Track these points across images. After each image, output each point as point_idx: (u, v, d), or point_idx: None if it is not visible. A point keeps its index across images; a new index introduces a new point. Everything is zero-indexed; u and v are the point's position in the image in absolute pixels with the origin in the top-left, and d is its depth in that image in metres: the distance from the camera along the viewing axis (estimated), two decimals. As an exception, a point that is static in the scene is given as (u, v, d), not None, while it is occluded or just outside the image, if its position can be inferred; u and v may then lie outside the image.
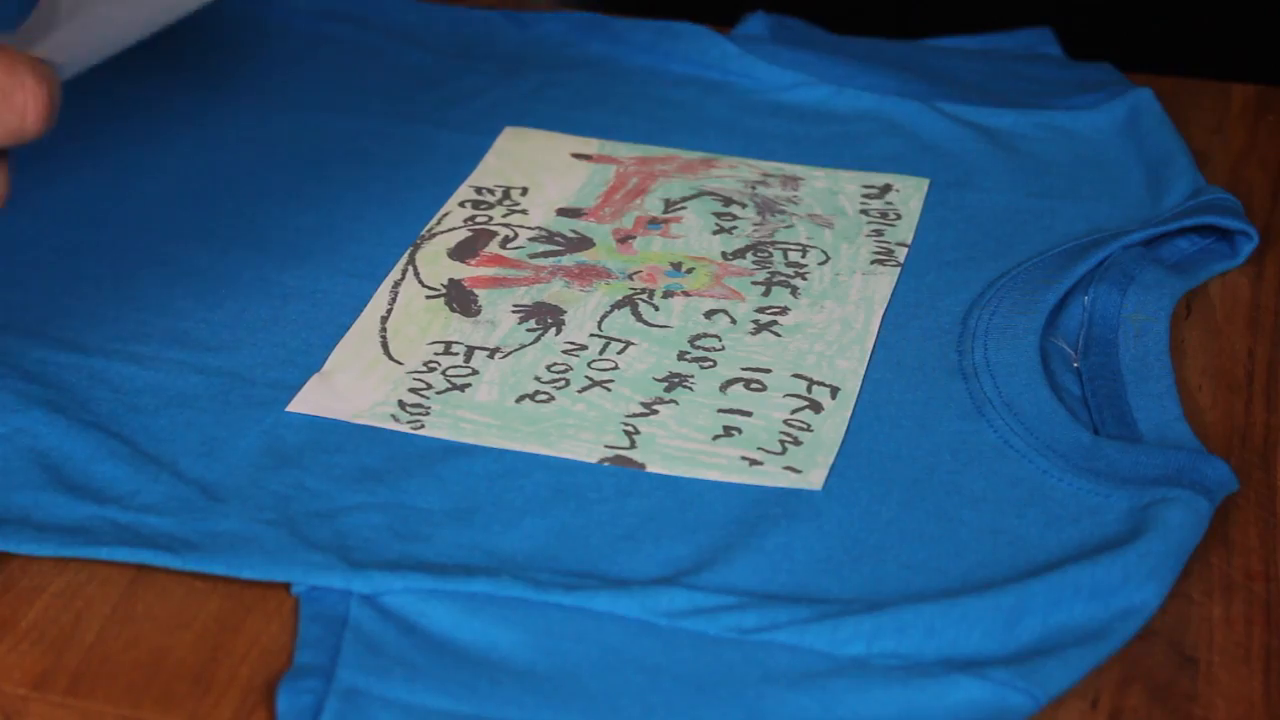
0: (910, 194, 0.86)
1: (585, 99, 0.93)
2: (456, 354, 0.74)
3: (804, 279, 0.79)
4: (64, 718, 0.60)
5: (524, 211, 0.83)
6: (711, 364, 0.74)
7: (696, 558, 0.64)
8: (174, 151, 0.88)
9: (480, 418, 0.71)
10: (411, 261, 0.80)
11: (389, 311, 0.77)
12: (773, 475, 0.68)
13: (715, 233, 0.82)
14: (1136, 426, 0.71)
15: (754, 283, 0.79)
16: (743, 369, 0.74)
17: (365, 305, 0.77)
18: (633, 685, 0.60)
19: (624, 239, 0.82)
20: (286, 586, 0.63)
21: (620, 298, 0.78)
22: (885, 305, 0.78)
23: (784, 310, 0.77)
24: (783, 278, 0.79)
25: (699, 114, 0.91)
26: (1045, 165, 0.88)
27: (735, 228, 0.82)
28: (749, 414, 0.71)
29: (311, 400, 0.72)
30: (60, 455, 0.69)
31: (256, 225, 0.82)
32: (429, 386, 0.73)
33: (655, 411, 0.71)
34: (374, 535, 0.65)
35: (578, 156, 0.88)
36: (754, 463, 0.69)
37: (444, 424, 0.71)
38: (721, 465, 0.69)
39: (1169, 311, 0.77)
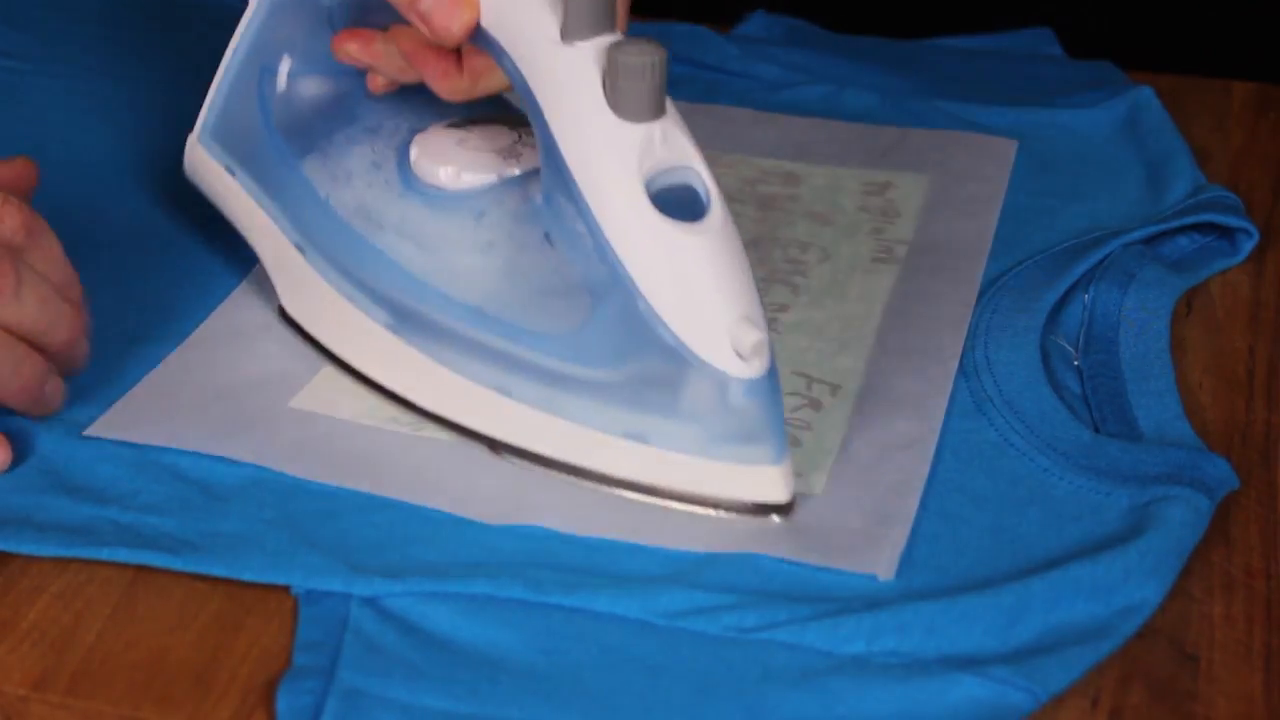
0: (910, 192, 0.86)
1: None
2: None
3: (804, 277, 0.79)
4: (64, 718, 0.60)
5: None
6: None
7: (696, 557, 0.64)
8: (174, 152, 0.87)
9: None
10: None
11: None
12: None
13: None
14: (1137, 424, 0.71)
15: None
16: (743, 368, 0.74)
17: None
18: (633, 685, 0.60)
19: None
20: (287, 587, 0.63)
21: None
22: (885, 303, 0.78)
23: (784, 308, 0.77)
24: (783, 275, 0.79)
25: (699, 114, 0.91)
26: (1046, 164, 0.88)
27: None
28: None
29: (313, 399, 0.72)
30: (61, 456, 0.69)
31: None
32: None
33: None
34: (375, 535, 0.65)
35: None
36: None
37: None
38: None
39: (1169, 309, 0.77)
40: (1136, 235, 0.80)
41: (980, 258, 0.80)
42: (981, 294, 0.78)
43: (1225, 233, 0.83)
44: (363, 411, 0.71)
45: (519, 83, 0.66)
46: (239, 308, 0.77)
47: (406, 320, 0.69)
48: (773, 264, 0.80)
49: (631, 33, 0.97)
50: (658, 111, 0.64)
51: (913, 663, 0.60)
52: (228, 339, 0.75)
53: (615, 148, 0.64)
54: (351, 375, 0.72)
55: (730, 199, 0.84)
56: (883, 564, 0.64)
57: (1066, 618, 0.62)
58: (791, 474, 0.65)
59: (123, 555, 0.64)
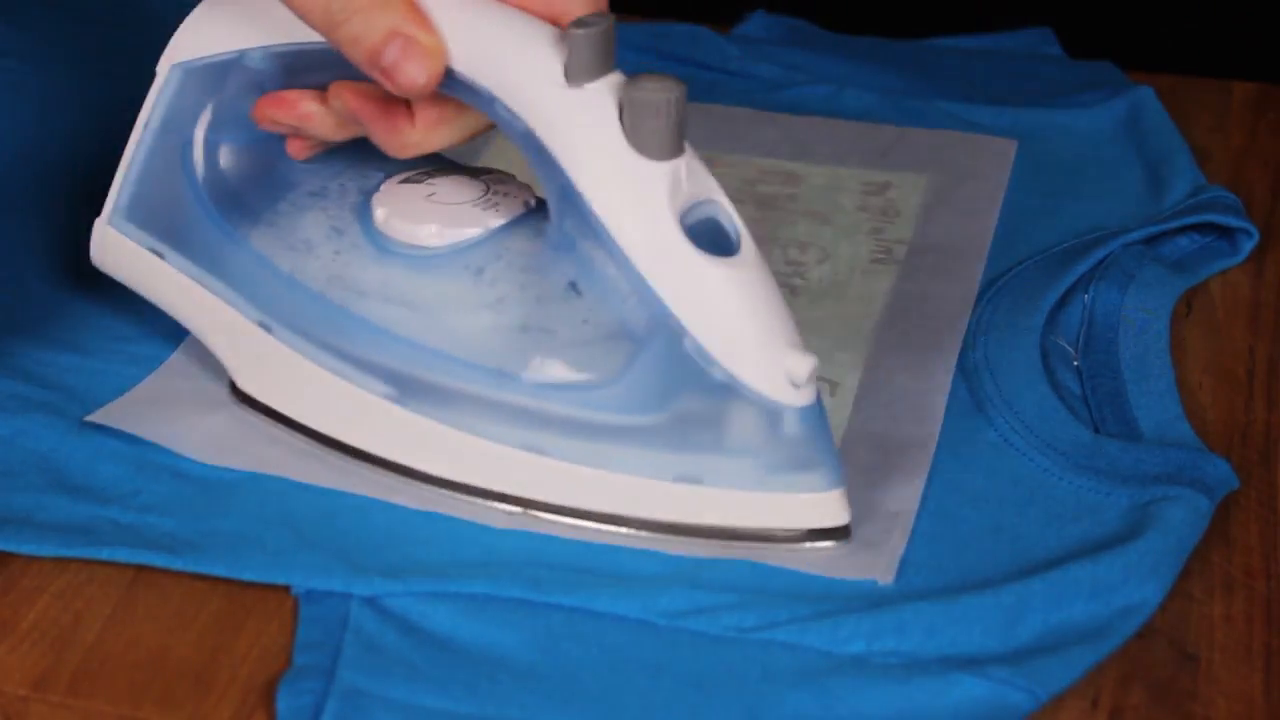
0: (910, 192, 0.86)
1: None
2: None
3: (803, 277, 0.79)
4: (64, 718, 0.60)
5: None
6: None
7: (696, 557, 0.64)
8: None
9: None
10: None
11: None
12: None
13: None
14: (1137, 424, 0.71)
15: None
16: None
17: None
18: (633, 684, 0.60)
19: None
20: (287, 587, 0.63)
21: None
22: (884, 302, 0.78)
23: (784, 309, 0.77)
24: (782, 276, 0.79)
25: (699, 114, 0.91)
26: (1046, 164, 0.88)
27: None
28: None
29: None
30: (61, 456, 0.69)
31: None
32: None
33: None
34: (375, 535, 0.65)
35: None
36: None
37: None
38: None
39: (1169, 309, 0.77)
40: (1136, 235, 0.80)
41: (979, 257, 0.80)
42: (981, 294, 0.78)
43: (1225, 233, 0.83)
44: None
45: (518, 129, 0.64)
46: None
47: (411, 390, 0.67)
48: (772, 264, 0.80)
49: (632, 32, 0.97)
50: (680, 148, 0.63)
51: (913, 663, 0.60)
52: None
53: (645, 188, 0.63)
54: (336, 450, 0.69)
55: (729, 199, 0.84)
56: (881, 569, 0.64)
57: (1066, 618, 0.62)
58: (847, 497, 0.65)
59: (123, 555, 0.64)
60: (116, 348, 0.74)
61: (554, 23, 0.64)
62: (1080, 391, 0.74)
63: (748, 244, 0.64)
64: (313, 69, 0.68)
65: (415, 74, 0.63)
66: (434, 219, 0.67)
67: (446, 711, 0.59)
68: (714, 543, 0.64)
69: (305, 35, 0.66)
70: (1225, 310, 0.79)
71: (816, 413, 0.63)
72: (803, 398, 0.63)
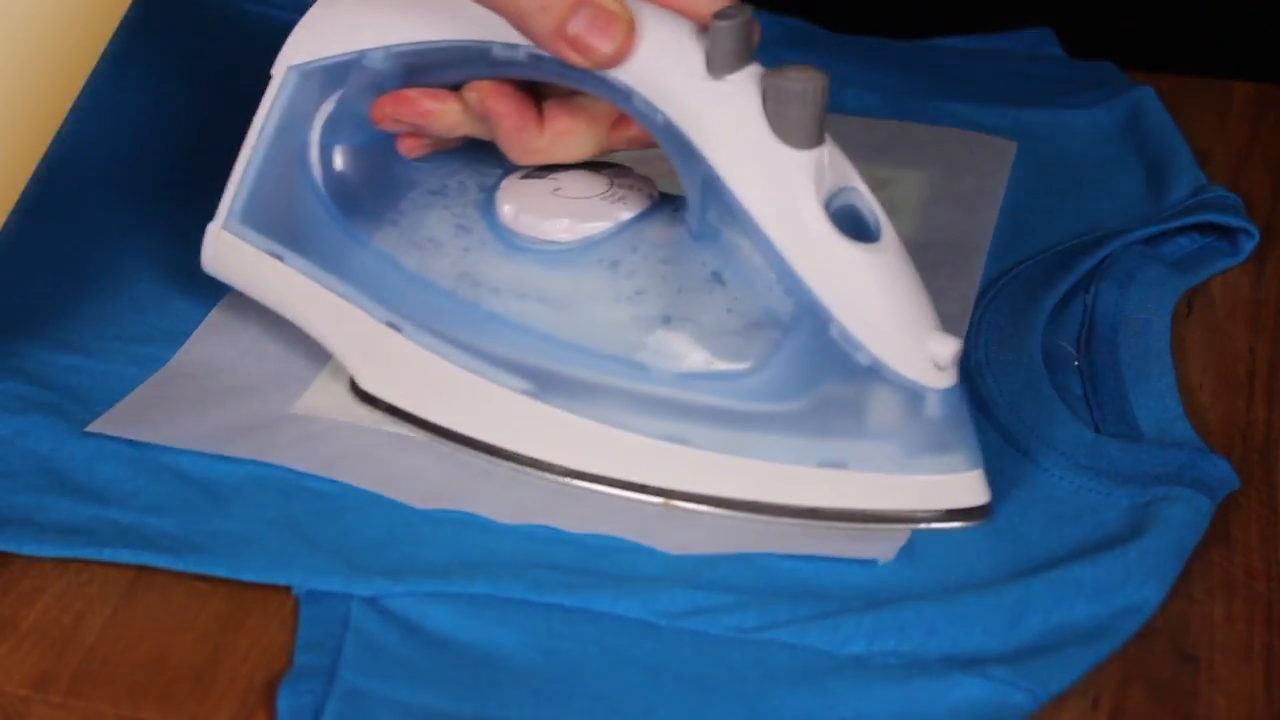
0: (910, 188, 0.86)
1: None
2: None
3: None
4: (64, 719, 0.60)
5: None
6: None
7: (697, 557, 0.64)
8: (177, 151, 0.87)
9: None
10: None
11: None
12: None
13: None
14: (1138, 425, 0.71)
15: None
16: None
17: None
18: (634, 685, 0.60)
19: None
20: (287, 587, 0.63)
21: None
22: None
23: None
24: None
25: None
26: (1046, 164, 0.88)
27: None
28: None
29: (314, 402, 0.72)
30: (62, 456, 0.69)
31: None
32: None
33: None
34: (375, 535, 0.65)
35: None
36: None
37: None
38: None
39: (1170, 309, 0.77)
40: (1136, 235, 0.80)
41: (980, 255, 0.80)
42: (981, 294, 0.78)
43: (1226, 233, 0.83)
44: (362, 414, 0.71)
45: (656, 122, 0.65)
46: (237, 307, 0.77)
47: (550, 384, 0.67)
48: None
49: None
50: (821, 136, 0.64)
51: (913, 663, 0.60)
52: (227, 340, 0.75)
53: (792, 177, 0.64)
54: (472, 448, 0.69)
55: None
56: (883, 547, 0.64)
57: (1067, 618, 0.62)
58: (986, 476, 0.65)
59: (123, 556, 0.64)
60: (117, 348, 0.74)
61: (691, 17, 0.65)
62: (1081, 391, 0.74)
63: (888, 230, 0.65)
64: (432, 68, 0.68)
65: (603, 44, 0.63)
66: (564, 214, 0.68)
67: (447, 712, 0.59)
68: (858, 527, 0.65)
69: (425, 34, 0.67)
70: (1225, 310, 0.79)
71: (957, 395, 0.64)
72: (946, 379, 0.64)
